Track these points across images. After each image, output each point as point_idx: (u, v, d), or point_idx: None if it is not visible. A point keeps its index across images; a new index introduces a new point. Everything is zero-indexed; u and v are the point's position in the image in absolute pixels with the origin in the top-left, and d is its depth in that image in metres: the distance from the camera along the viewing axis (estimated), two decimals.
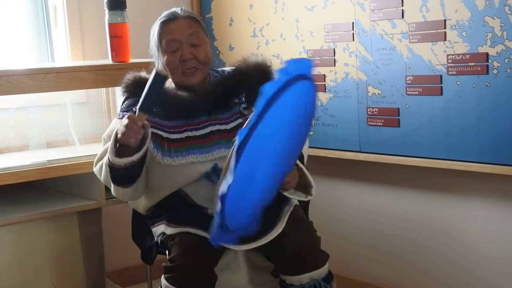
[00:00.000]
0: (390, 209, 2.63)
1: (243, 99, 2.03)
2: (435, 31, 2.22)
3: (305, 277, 1.87)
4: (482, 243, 2.37)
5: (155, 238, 2.04)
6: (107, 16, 2.45)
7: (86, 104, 2.80)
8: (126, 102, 2.07)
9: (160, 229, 1.99)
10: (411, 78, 2.32)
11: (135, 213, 2.28)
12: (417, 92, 2.30)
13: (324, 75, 2.60)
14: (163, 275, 1.88)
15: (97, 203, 2.37)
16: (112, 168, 1.89)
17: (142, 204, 2.07)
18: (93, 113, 2.78)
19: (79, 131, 2.62)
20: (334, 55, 2.55)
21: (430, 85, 2.26)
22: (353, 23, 2.46)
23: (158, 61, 2.04)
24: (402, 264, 2.63)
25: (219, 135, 1.97)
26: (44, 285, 2.46)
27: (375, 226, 2.70)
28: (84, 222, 2.51)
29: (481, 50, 2.11)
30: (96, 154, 2.34)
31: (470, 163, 2.18)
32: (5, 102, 2.56)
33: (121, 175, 1.90)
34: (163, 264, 1.90)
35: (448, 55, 2.20)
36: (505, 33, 2.04)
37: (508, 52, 2.04)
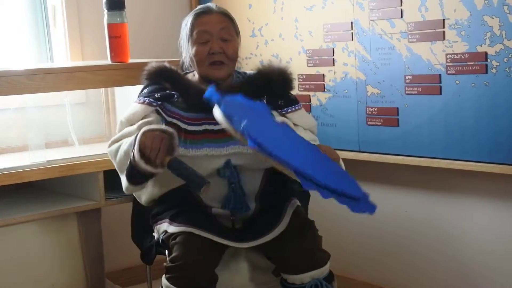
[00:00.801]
0: (389, 208, 2.63)
1: (264, 101, 2.04)
2: (434, 30, 2.22)
3: (306, 276, 1.88)
4: (481, 242, 2.38)
5: (157, 235, 2.04)
6: (106, 17, 2.45)
7: (85, 105, 2.80)
8: (148, 88, 2.07)
9: (163, 227, 1.99)
10: (410, 77, 2.32)
11: (134, 213, 2.29)
12: (416, 92, 2.30)
13: (323, 74, 2.60)
14: (164, 275, 1.88)
15: (96, 204, 2.37)
16: (132, 167, 1.88)
17: (147, 193, 2.06)
18: (92, 113, 2.78)
19: (78, 131, 2.61)
20: (333, 55, 2.55)
21: (429, 84, 2.26)
22: (352, 22, 2.46)
23: (186, 52, 2.05)
24: (402, 263, 2.63)
25: None
26: (43, 286, 2.46)
27: (375, 226, 2.70)
28: (83, 222, 2.51)
29: (480, 49, 2.11)
30: (96, 154, 2.35)
31: (469, 162, 2.19)
32: (4, 103, 2.56)
33: (137, 176, 1.90)
34: (164, 264, 1.90)
35: (447, 54, 2.20)
36: (504, 32, 2.05)
37: (507, 52, 2.05)
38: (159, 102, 2.01)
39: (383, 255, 2.69)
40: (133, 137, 1.91)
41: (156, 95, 2.01)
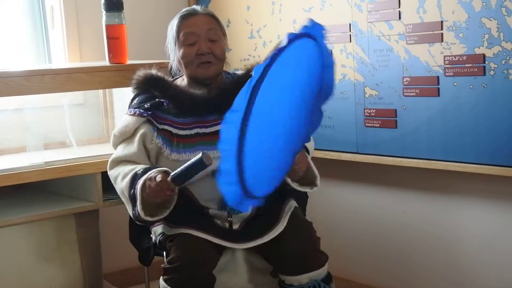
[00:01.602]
0: (387, 210, 2.63)
1: None
2: (432, 32, 2.22)
3: (304, 278, 1.88)
4: (479, 243, 2.38)
5: (155, 237, 2.05)
6: (104, 18, 2.45)
7: (84, 106, 2.79)
8: (137, 98, 2.07)
9: (160, 229, 1.99)
10: (408, 79, 2.32)
11: None
12: (414, 94, 2.31)
13: None
14: (161, 277, 1.88)
15: (94, 205, 2.37)
16: (139, 219, 1.91)
17: None
18: (90, 114, 2.78)
19: (76, 132, 2.61)
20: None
21: (427, 86, 2.26)
22: (350, 24, 2.47)
23: (174, 55, 2.05)
24: (400, 264, 2.63)
25: None
26: (41, 287, 2.46)
27: (373, 227, 2.71)
28: (81, 223, 2.51)
29: (478, 51, 2.11)
30: (94, 156, 2.35)
31: (467, 164, 2.19)
32: (2, 104, 2.55)
33: (146, 223, 1.96)
34: (162, 265, 1.90)
35: (445, 56, 2.20)
36: (501, 34, 2.05)
37: (505, 53, 2.05)
38: (149, 112, 2.01)
39: (381, 257, 2.69)
40: (129, 177, 1.92)
41: (146, 105, 2.01)
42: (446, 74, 2.21)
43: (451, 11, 2.16)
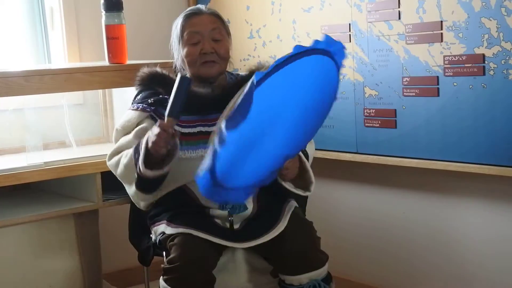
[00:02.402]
0: (387, 210, 2.63)
1: None
2: (432, 32, 2.22)
3: (304, 277, 1.88)
4: (479, 243, 2.38)
5: (155, 237, 2.04)
6: (103, 18, 2.45)
7: (83, 106, 2.79)
8: (141, 94, 2.08)
9: (160, 228, 1.99)
10: (407, 79, 2.32)
11: (132, 214, 2.28)
12: (414, 94, 2.31)
13: None
14: (161, 277, 1.88)
15: (94, 205, 2.37)
16: (140, 177, 1.91)
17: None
18: (89, 114, 2.78)
19: (76, 132, 2.61)
20: None
21: (427, 86, 2.27)
22: (349, 24, 2.47)
23: (178, 54, 2.06)
24: (400, 264, 2.63)
25: None
26: (40, 287, 2.46)
27: (372, 227, 2.71)
28: (81, 223, 2.50)
29: (478, 51, 2.11)
30: (93, 156, 2.35)
31: (467, 164, 2.19)
32: (2, 104, 2.55)
33: (148, 184, 1.94)
34: (162, 265, 1.90)
35: (444, 56, 2.20)
36: (501, 34, 2.05)
37: (504, 54, 2.05)
38: (152, 108, 2.02)
39: (381, 257, 2.69)
40: (132, 149, 1.93)
41: (149, 101, 2.02)
42: (446, 74, 2.21)
43: (450, 11, 2.16)
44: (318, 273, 1.90)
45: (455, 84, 2.19)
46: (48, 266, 2.47)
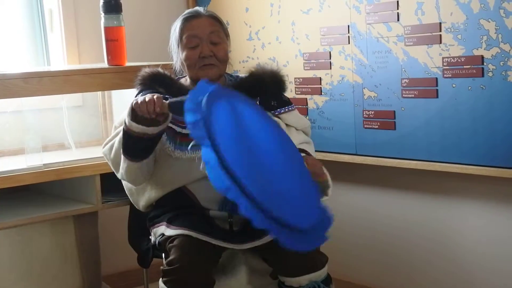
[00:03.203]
0: (386, 211, 2.64)
1: (257, 102, 2.05)
2: (431, 34, 2.23)
3: (304, 279, 1.88)
4: (478, 244, 2.38)
5: (154, 239, 2.04)
6: (103, 20, 2.45)
7: (82, 108, 2.79)
8: (141, 93, 2.07)
9: (160, 230, 1.99)
10: (406, 81, 2.32)
11: (131, 216, 2.28)
12: (413, 95, 2.31)
13: (320, 78, 2.60)
14: (161, 279, 1.88)
15: (93, 207, 2.37)
16: (126, 134, 1.89)
17: (145, 197, 2.06)
18: (89, 116, 2.78)
19: (75, 134, 2.61)
20: (330, 58, 2.55)
21: (426, 88, 2.27)
22: (348, 26, 2.47)
23: (176, 57, 2.06)
24: (399, 265, 2.63)
25: None
26: None
27: (372, 229, 2.71)
28: (80, 225, 2.50)
29: (476, 53, 2.12)
30: (92, 158, 2.35)
31: (466, 165, 2.19)
32: (1, 106, 2.55)
33: (133, 144, 1.90)
34: (161, 267, 1.90)
35: (443, 58, 2.21)
36: (500, 36, 2.05)
37: (503, 55, 2.05)
38: None
39: (381, 258, 2.69)
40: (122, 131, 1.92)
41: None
42: (445, 75, 2.21)
43: (449, 12, 2.17)
44: (318, 275, 1.90)
45: (454, 85, 2.20)
46: (47, 268, 2.47)
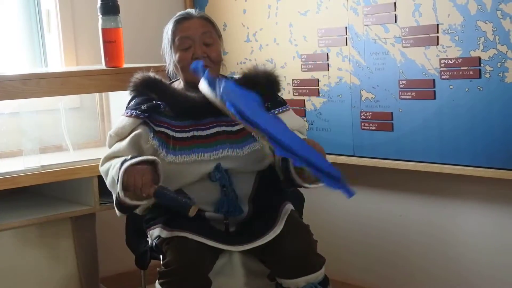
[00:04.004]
0: (384, 213, 2.64)
1: None
2: (428, 35, 2.23)
3: (301, 281, 1.88)
4: (475, 246, 2.38)
5: (151, 241, 2.04)
6: (100, 21, 2.45)
7: (80, 109, 2.79)
8: (134, 100, 2.07)
9: (156, 232, 1.99)
10: (404, 82, 2.32)
11: (129, 218, 2.28)
12: (410, 96, 2.31)
13: (318, 79, 2.60)
14: (157, 281, 1.88)
15: (91, 209, 2.37)
16: (118, 204, 1.94)
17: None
18: (86, 118, 2.78)
19: (72, 136, 2.61)
20: (328, 60, 2.55)
21: (423, 89, 2.27)
22: (346, 27, 2.47)
23: (170, 60, 2.06)
24: (396, 267, 2.63)
25: (225, 136, 1.99)
26: None
27: (369, 230, 2.71)
28: (78, 227, 2.50)
29: (474, 54, 2.12)
30: (90, 159, 2.35)
31: (463, 166, 2.19)
32: None
33: (127, 209, 1.98)
34: (158, 269, 1.90)
35: (441, 59, 2.21)
36: (497, 37, 2.06)
37: (500, 56, 2.06)
38: (146, 114, 2.01)
39: (378, 259, 2.70)
40: (119, 163, 1.91)
41: (142, 107, 2.01)
42: (442, 77, 2.21)
43: (446, 14, 2.17)
44: (315, 276, 1.90)
45: (451, 87, 2.20)
46: (45, 270, 2.46)
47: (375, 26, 2.38)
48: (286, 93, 2.70)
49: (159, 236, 1.97)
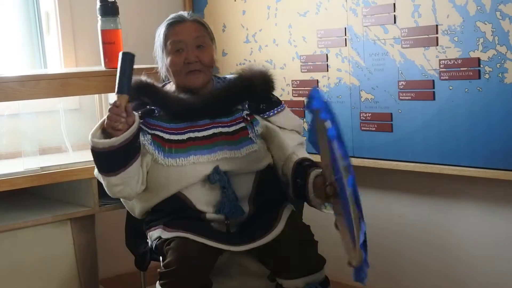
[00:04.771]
0: (384, 213, 2.64)
1: (246, 106, 2.04)
2: (427, 36, 2.23)
3: (301, 282, 1.88)
4: (475, 246, 2.38)
5: (151, 242, 2.04)
6: (99, 23, 2.45)
7: (79, 111, 2.79)
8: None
9: (156, 233, 1.99)
10: (403, 83, 2.33)
11: (128, 219, 2.28)
12: (410, 97, 2.31)
13: (317, 80, 2.60)
14: (158, 281, 1.88)
15: (90, 210, 2.36)
16: (95, 153, 1.90)
17: (139, 206, 2.06)
18: (86, 119, 2.77)
19: (72, 137, 2.61)
20: (327, 61, 2.55)
21: (423, 90, 2.27)
22: (345, 28, 2.47)
23: (161, 63, 2.06)
24: (396, 268, 2.63)
25: (222, 137, 1.99)
26: None
27: (369, 231, 2.69)
28: (77, 229, 2.49)
29: (473, 55, 2.12)
30: (89, 161, 2.33)
31: (463, 167, 2.19)
32: None
33: (104, 160, 1.91)
34: (158, 270, 1.89)
35: (440, 60, 2.21)
36: (496, 38, 2.06)
37: (499, 57, 2.06)
38: (140, 120, 2.00)
39: (378, 260, 2.69)
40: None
41: (137, 114, 2.01)
42: (442, 77, 2.22)
43: (446, 15, 2.17)
44: (316, 277, 1.90)
45: (450, 87, 2.20)
46: (45, 272, 2.46)
47: (374, 27, 2.38)
48: (285, 94, 2.70)
49: (159, 237, 1.97)
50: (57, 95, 2.36)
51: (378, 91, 2.40)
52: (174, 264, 1.84)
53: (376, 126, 2.43)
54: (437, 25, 2.20)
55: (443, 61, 2.20)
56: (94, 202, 2.34)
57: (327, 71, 2.56)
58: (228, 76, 2.13)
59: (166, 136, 1.99)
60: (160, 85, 2.11)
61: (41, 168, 2.27)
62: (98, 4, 2.44)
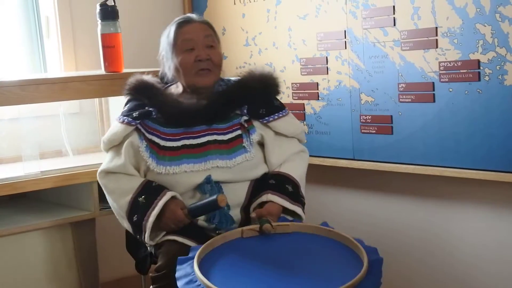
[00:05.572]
0: (384, 215, 2.63)
1: (245, 111, 2.03)
2: (427, 38, 2.23)
3: None
4: (475, 248, 2.38)
5: (149, 247, 2.04)
6: (99, 27, 2.46)
7: (79, 115, 2.79)
8: (128, 105, 2.07)
9: None
10: (403, 85, 2.33)
11: None
12: (410, 100, 2.31)
13: (317, 83, 2.60)
14: (151, 286, 1.87)
15: (91, 214, 2.37)
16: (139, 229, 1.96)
17: None
18: (86, 123, 2.78)
19: (72, 141, 2.61)
20: (327, 63, 2.55)
21: (423, 92, 2.27)
22: (345, 31, 2.47)
23: (170, 63, 2.04)
24: (396, 270, 2.63)
25: (215, 146, 1.97)
26: None
27: (369, 233, 2.70)
28: (78, 232, 2.50)
29: (473, 57, 2.12)
30: (90, 165, 2.35)
31: (463, 169, 2.19)
32: None
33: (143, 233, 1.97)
34: (150, 274, 1.89)
35: (440, 62, 2.21)
36: (496, 40, 2.06)
37: (499, 59, 2.06)
38: (137, 121, 2.00)
39: None
40: (129, 201, 1.96)
41: (134, 114, 2.00)
42: (441, 80, 2.22)
43: (445, 17, 2.17)
44: None
45: (450, 90, 2.20)
46: (46, 275, 2.46)
47: (374, 29, 2.38)
48: (285, 97, 2.71)
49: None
50: (57, 99, 2.36)
51: (378, 94, 2.40)
52: (164, 268, 1.83)
53: (376, 128, 2.43)
54: (436, 28, 2.20)
55: (443, 63, 2.20)
56: (94, 206, 2.35)
57: (327, 73, 2.56)
58: (232, 78, 2.12)
59: (162, 142, 1.98)
60: (162, 86, 2.10)
61: (42, 172, 2.27)
62: (98, 8, 2.44)
